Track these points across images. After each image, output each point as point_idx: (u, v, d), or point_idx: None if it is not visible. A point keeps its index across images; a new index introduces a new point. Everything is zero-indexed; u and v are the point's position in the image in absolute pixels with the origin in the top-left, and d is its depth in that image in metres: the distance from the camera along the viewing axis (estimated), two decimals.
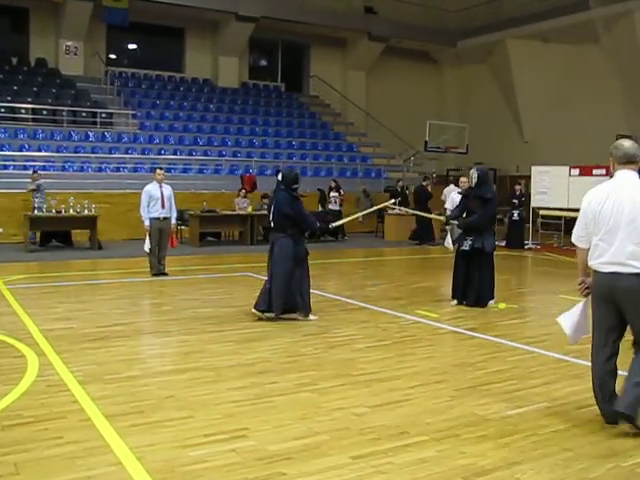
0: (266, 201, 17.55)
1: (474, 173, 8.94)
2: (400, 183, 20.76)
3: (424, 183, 18.85)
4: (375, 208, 10.20)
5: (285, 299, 7.87)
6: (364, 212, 10.26)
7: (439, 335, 7.52)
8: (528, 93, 27.42)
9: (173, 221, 11.59)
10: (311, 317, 8.05)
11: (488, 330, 7.73)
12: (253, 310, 8.01)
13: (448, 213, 13.13)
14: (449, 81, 32.03)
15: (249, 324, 7.82)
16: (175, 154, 21.02)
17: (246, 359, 6.30)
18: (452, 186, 18.90)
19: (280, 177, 7.97)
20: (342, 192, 19.82)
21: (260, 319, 7.96)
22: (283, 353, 6.55)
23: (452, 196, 13.60)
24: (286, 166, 22.16)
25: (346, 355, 6.52)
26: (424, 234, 18.24)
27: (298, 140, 24.73)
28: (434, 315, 8.55)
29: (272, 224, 8.05)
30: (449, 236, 12.49)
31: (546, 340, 7.27)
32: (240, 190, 17.94)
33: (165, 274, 11.46)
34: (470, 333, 7.56)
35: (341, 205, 19.42)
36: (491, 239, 8.95)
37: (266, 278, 8.13)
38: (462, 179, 13.21)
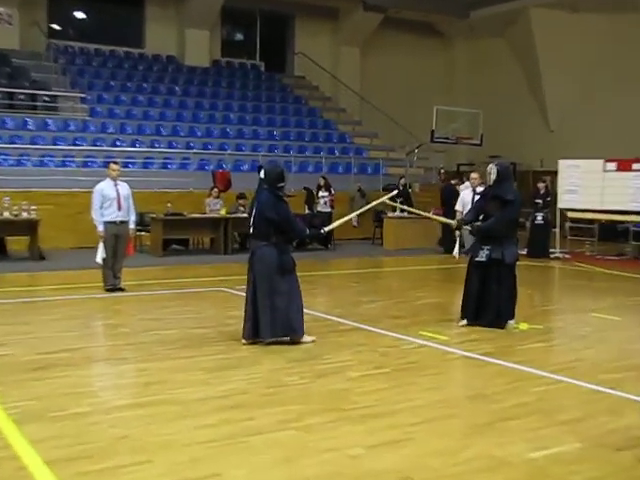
0: (242, 202, 17.58)
1: (493, 168, 8.90)
2: (402, 180, 20.81)
3: (453, 182, 18.83)
4: (373, 204, 10.07)
5: (274, 320, 7.84)
6: (360, 210, 10.22)
7: (448, 361, 7.51)
8: (555, 72, 27.62)
9: (132, 225, 11.58)
10: (307, 339, 8.05)
11: (507, 355, 7.73)
12: (243, 341, 7.98)
13: (459, 216, 13.16)
14: (460, 58, 32.23)
15: (222, 349, 7.80)
16: (133, 146, 21.01)
17: (218, 391, 6.27)
18: (468, 183, 19.00)
19: (262, 174, 7.96)
20: (333, 191, 19.80)
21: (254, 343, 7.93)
22: (263, 383, 6.54)
23: (462, 195, 13.64)
24: (268, 160, 22.18)
25: (338, 385, 6.51)
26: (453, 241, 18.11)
27: (280, 129, 24.78)
28: (442, 337, 8.55)
29: (252, 230, 8.03)
30: (458, 244, 12.53)
31: (576, 367, 7.29)
32: (212, 189, 17.95)
33: (121, 289, 11.43)
34: (486, 359, 7.57)
35: (332, 207, 19.42)
36: (512, 248, 8.95)
37: (245, 294, 8.09)
38: (472, 175, 13.30)
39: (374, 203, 10.01)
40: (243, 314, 8.06)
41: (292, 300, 7.92)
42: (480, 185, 12.95)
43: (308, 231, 8.45)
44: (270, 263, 7.84)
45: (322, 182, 19.86)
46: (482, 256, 8.89)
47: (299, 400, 6.07)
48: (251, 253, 8.04)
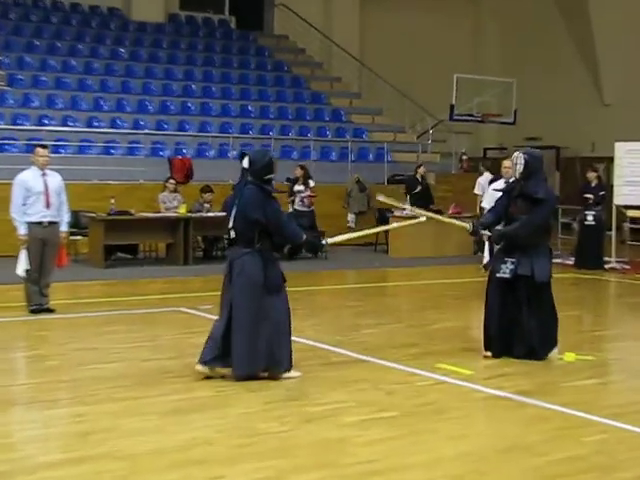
0: (208, 197, 17.56)
1: (520, 157, 8.88)
2: (422, 169, 20.58)
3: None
4: (398, 225, 9.93)
5: (254, 351, 7.84)
6: (381, 228, 10.14)
7: (474, 402, 7.51)
8: (611, 31, 27.74)
9: (64, 228, 11.55)
10: (293, 374, 8.06)
11: (550, 395, 7.72)
12: (197, 367, 7.96)
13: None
14: (488, 13, 32.33)
15: (181, 387, 7.77)
16: (65, 125, 20.97)
17: (177, 441, 6.25)
18: (487, 174, 19.01)
19: (246, 163, 7.96)
20: (312, 184, 19.23)
21: (207, 377, 7.91)
22: (233, 431, 6.52)
23: (491, 191, 13.66)
24: (240, 144, 22.20)
25: (330, 433, 6.49)
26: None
27: (257, 104, 24.80)
28: (466, 372, 8.54)
29: (232, 234, 8.02)
30: (487, 251, 12.65)
31: None
32: (167, 181, 17.91)
33: (50, 310, 11.38)
34: (522, 399, 7.55)
35: (311, 205, 19.01)
36: (544, 261, 8.91)
37: (217, 317, 8.08)
38: (505, 163, 13.34)
39: (397, 225, 9.90)
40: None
41: (280, 326, 7.91)
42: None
43: (305, 236, 8.38)
44: (254, 277, 7.82)
45: (299, 172, 19.17)
46: (505, 271, 8.83)
47: (280, 453, 6.04)
48: (229, 263, 8.00)
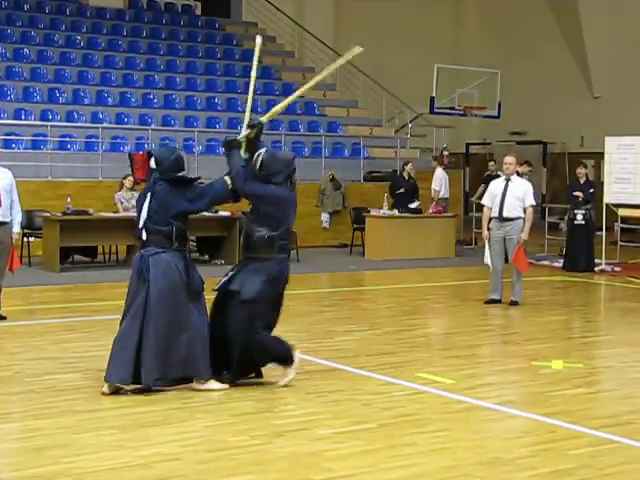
0: None
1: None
2: (410, 167, 20.59)
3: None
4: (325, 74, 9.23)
5: (168, 358, 7.80)
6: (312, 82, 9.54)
7: (456, 413, 7.53)
8: (600, 18, 27.89)
9: (16, 229, 11.47)
10: (212, 385, 7.99)
11: (535, 405, 7.76)
12: (105, 389, 7.84)
13: (487, 213, 13.28)
14: (471, 1, 32.42)
15: (143, 398, 7.75)
16: (17, 118, 20.85)
17: (138, 457, 6.23)
18: (440, 169, 19.31)
19: (153, 163, 8.11)
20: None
21: (117, 391, 7.83)
22: (200, 446, 6.51)
23: (491, 186, 13.62)
24: (207, 139, 22.19)
25: (303, 447, 6.50)
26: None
27: (224, 96, 24.76)
28: (447, 381, 8.57)
29: (144, 235, 8.04)
30: (487, 249, 12.81)
31: (632, 422, 7.34)
32: (125, 178, 17.82)
33: (2, 317, 11.33)
34: (506, 410, 7.59)
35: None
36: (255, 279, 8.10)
37: (124, 325, 7.96)
38: (507, 159, 13.30)
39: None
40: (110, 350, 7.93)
41: (199, 334, 7.91)
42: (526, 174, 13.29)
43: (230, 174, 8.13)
44: (174, 280, 7.85)
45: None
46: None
47: (250, 469, 6.03)
48: (140, 263, 7.96)
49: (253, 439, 6.67)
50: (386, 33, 29.84)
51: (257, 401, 7.75)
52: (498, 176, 21.67)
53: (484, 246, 13.25)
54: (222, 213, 17.30)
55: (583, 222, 17.76)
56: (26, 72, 22.69)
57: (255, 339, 7.96)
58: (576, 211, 17.84)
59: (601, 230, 18.34)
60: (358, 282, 16.76)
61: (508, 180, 13.24)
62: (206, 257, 18.11)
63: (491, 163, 22.62)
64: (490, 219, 13.19)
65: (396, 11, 30.28)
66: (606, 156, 18.58)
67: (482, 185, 22.26)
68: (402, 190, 19.91)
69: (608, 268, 17.72)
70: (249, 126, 8.51)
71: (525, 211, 13.05)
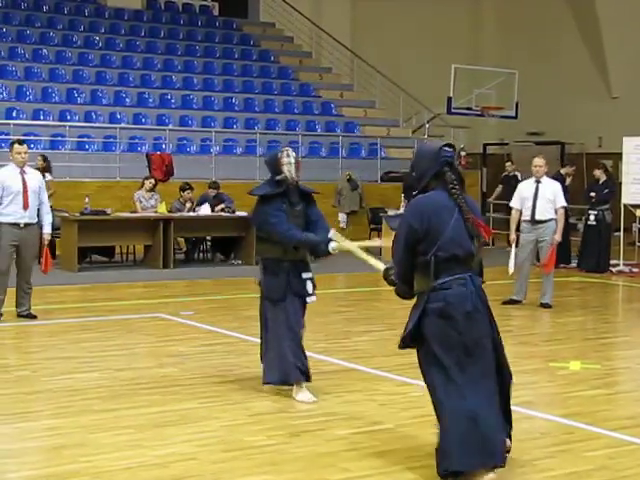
0: (188, 195, 17.53)
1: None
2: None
3: (563, 171, 18.62)
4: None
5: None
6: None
7: None
8: (618, 18, 27.77)
9: (47, 230, 11.45)
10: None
11: (553, 406, 7.75)
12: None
13: (515, 215, 13.14)
14: (489, 2, 32.34)
15: (160, 398, 7.77)
16: (36, 118, 20.93)
17: (155, 457, 6.24)
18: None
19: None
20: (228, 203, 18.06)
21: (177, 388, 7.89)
22: (217, 445, 6.51)
23: (520, 188, 13.37)
24: (224, 139, 22.21)
25: (320, 448, 6.50)
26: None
27: (241, 96, 24.79)
28: None
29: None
30: (513, 252, 12.67)
31: None
32: (145, 179, 17.88)
33: (32, 316, 11.40)
34: (523, 411, 7.56)
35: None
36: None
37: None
38: (536, 161, 13.17)
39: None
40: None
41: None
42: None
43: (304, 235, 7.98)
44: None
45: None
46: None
47: (266, 469, 6.03)
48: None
49: (270, 439, 6.68)
50: (403, 33, 29.79)
51: (274, 401, 7.76)
52: (515, 177, 21.78)
53: (510, 248, 13.11)
54: (239, 213, 17.32)
55: (595, 223, 17.70)
56: (45, 73, 22.77)
57: None
58: (589, 212, 17.83)
59: (619, 231, 18.28)
60: (375, 282, 16.71)
61: (538, 182, 13.10)
62: (220, 257, 18.16)
63: (508, 164, 22.53)
64: (519, 221, 13.06)
65: (413, 11, 30.22)
66: (624, 157, 18.54)
67: (499, 186, 22.24)
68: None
69: (626, 269, 17.66)
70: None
71: (556, 212, 12.92)
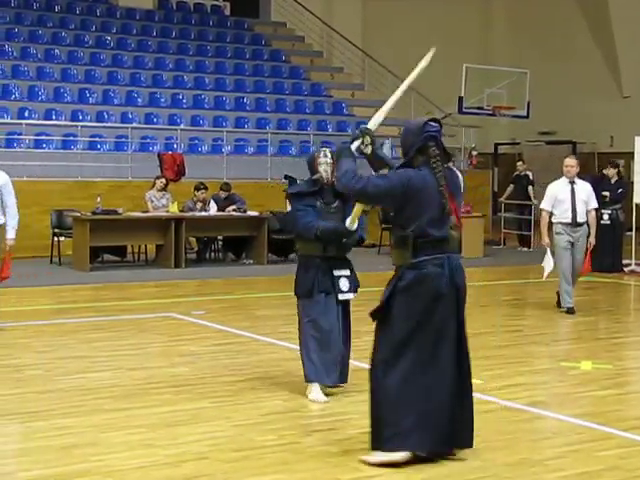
0: (201, 195, 17.53)
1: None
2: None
3: (610, 172, 18.40)
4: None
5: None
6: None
7: (483, 414, 7.49)
8: (630, 16, 27.71)
9: (10, 234, 10.60)
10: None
11: (564, 406, 7.73)
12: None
13: (545, 217, 12.58)
14: (500, 1, 32.30)
15: (171, 397, 7.79)
16: (48, 118, 20.96)
17: (166, 456, 6.25)
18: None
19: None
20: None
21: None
22: (227, 445, 6.52)
23: (551, 189, 12.69)
24: (235, 139, 22.23)
25: (332, 447, 6.50)
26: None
27: (252, 96, 24.78)
28: (475, 381, 8.51)
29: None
30: (548, 256, 12.41)
31: None
32: (157, 178, 17.91)
33: None
34: (534, 410, 7.57)
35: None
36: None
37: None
38: (568, 161, 12.67)
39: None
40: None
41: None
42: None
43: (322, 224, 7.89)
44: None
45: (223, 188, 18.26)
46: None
47: (278, 468, 6.04)
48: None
49: (281, 439, 6.68)
50: (414, 33, 29.73)
51: (285, 401, 7.76)
52: (527, 176, 21.78)
53: (546, 252, 12.63)
54: (251, 213, 17.33)
55: (609, 222, 17.65)
56: (57, 73, 22.80)
57: None
58: (603, 211, 17.72)
59: (631, 230, 18.23)
60: (386, 282, 16.71)
61: (572, 183, 12.65)
62: (232, 257, 18.18)
63: (519, 163, 22.51)
64: (550, 224, 12.56)
65: (424, 10, 30.21)
66: (636, 156, 18.47)
67: (510, 185, 22.22)
68: None
69: (638, 269, 17.62)
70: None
71: (587, 214, 12.58)
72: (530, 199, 21.46)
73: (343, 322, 7.95)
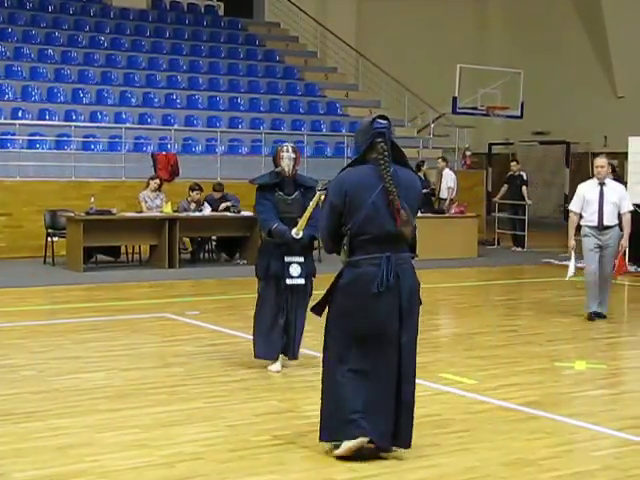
0: (196, 195, 17.51)
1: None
2: (426, 167, 20.67)
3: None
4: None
5: None
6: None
7: (478, 414, 7.52)
8: (624, 17, 27.77)
9: None
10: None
11: (558, 406, 7.73)
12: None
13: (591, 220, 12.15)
14: (494, 1, 32.34)
15: (165, 398, 7.79)
16: (42, 118, 20.93)
17: (161, 456, 6.25)
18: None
19: None
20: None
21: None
22: (223, 445, 6.52)
23: (582, 190, 12.18)
24: (229, 139, 22.23)
25: (326, 447, 6.46)
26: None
27: (246, 96, 24.78)
28: (470, 381, 8.55)
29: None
30: (573, 260, 12.22)
31: None
32: (151, 179, 17.89)
33: None
34: (529, 411, 7.57)
35: None
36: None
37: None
38: (598, 161, 12.18)
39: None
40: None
41: None
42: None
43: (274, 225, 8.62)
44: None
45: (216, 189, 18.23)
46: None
47: (273, 469, 6.04)
48: None
49: (276, 439, 6.67)
50: (408, 33, 29.82)
51: (279, 401, 7.76)
52: (520, 176, 21.80)
53: (570, 254, 12.38)
54: (244, 213, 17.33)
55: None
56: (50, 73, 22.78)
57: None
58: None
59: (622, 231, 18.19)
60: None
61: (602, 184, 12.06)
62: (225, 257, 18.17)
63: (513, 163, 22.53)
64: (579, 226, 12.12)
65: (418, 11, 30.24)
66: (630, 156, 18.51)
67: (505, 185, 22.25)
68: (428, 190, 20.11)
69: (632, 269, 17.65)
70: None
71: (620, 216, 12.01)
72: (524, 199, 21.50)
73: (296, 304, 8.66)
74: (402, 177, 6.20)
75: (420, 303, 6.34)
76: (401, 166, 6.29)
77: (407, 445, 6.24)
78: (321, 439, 6.29)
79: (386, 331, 6.12)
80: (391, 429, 6.15)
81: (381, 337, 6.12)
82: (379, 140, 6.16)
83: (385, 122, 6.26)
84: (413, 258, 6.30)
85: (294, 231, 8.45)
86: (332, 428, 6.20)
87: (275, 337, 8.63)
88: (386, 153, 6.14)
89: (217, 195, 17.89)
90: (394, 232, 6.08)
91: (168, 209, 17.06)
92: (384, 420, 6.13)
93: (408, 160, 6.45)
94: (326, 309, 6.39)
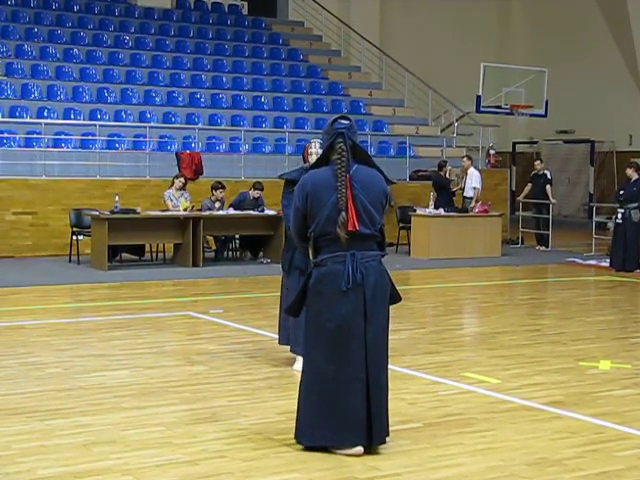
0: (219, 194, 17.55)
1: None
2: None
3: (627, 171, 18.21)
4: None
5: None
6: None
7: (502, 413, 7.50)
8: None
9: None
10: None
11: (583, 406, 7.70)
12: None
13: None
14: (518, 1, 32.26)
15: (190, 396, 7.80)
16: (67, 117, 21.02)
17: (185, 454, 6.26)
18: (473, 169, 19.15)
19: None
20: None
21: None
22: (246, 443, 6.52)
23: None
24: (253, 138, 22.26)
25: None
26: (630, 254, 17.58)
27: (270, 95, 24.79)
28: (494, 380, 8.53)
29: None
30: None
31: None
32: (175, 177, 17.93)
33: None
34: (553, 410, 7.55)
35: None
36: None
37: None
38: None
39: None
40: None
41: None
42: None
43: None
44: None
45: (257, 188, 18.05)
46: None
47: (296, 467, 6.04)
48: None
49: None
50: (432, 31, 29.77)
51: None
52: (544, 175, 21.72)
53: None
54: (268, 212, 17.35)
55: (621, 221, 17.58)
56: (75, 72, 22.86)
57: None
58: (618, 210, 17.74)
59: None
60: (404, 281, 16.69)
61: None
62: (249, 255, 18.18)
63: (537, 162, 22.44)
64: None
65: (442, 9, 30.17)
66: None
67: (528, 184, 22.16)
68: (452, 189, 20.14)
69: None
70: None
71: None
72: (548, 198, 21.41)
73: None
74: (362, 176, 6.32)
75: (399, 299, 6.67)
76: (365, 165, 6.40)
77: (383, 440, 6.34)
78: (295, 437, 6.39)
79: (354, 327, 6.19)
80: (364, 426, 6.21)
81: (349, 333, 6.19)
82: (339, 140, 6.30)
83: (346, 122, 6.40)
84: (383, 256, 6.41)
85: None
86: (299, 429, 6.34)
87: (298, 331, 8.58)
88: (344, 153, 6.25)
89: (257, 194, 17.79)
90: (355, 230, 6.18)
91: (184, 205, 17.10)
92: (356, 418, 6.19)
93: (372, 159, 6.57)
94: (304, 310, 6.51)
